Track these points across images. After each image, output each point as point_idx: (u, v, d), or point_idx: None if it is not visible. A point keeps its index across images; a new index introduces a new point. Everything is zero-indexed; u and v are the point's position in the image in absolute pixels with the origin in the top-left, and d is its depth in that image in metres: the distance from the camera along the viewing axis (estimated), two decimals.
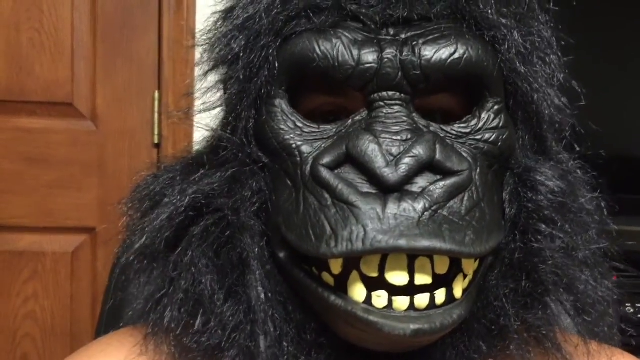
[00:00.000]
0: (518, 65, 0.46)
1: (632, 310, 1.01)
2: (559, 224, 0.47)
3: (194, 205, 0.47)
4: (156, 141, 1.47)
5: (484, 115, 0.46)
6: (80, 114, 1.47)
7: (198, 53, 0.52)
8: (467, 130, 0.46)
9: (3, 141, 1.46)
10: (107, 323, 0.72)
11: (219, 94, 0.51)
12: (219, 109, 0.52)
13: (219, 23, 0.50)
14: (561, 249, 0.47)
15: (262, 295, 0.46)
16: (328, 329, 0.46)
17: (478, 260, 0.46)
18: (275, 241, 0.46)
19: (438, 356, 0.46)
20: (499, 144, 0.46)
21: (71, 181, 1.47)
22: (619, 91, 1.45)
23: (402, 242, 0.40)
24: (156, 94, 1.46)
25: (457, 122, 0.46)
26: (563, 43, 0.51)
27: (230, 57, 0.47)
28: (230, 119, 0.48)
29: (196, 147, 0.55)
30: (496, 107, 0.46)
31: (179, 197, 0.47)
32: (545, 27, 0.49)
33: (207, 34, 0.51)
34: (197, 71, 0.51)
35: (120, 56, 1.46)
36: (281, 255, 0.46)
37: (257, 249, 0.46)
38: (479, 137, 0.46)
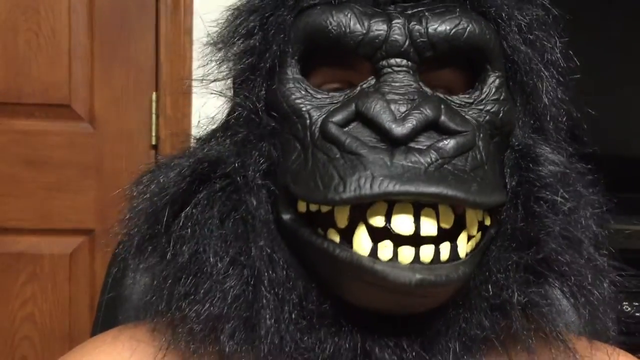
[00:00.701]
0: (518, 44, 0.48)
1: (630, 309, 1.01)
2: (561, 192, 0.48)
3: (199, 170, 0.48)
4: (154, 142, 1.47)
5: (486, 89, 0.48)
6: (77, 116, 1.47)
7: (197, 47, 0.54)
8: (470, 101, 0.47)
9: (0, 144, 1.46)
10: (104, 319, 0.72)
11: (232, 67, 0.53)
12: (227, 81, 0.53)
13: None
14: (563, 213, 0.48)
15: (267, 257, 0.46)
16: (330, 297, 0.46)
17: (480, 232, 0.47)
18: (281, 202, 0.47)
19: (442, 329, 0.47)
20: (500, 114, 0.48)
21: (69, 183, 1.48)
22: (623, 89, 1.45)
23: (411, 187, 0.41)
24: (154, 96, 1.47)
25: (460, 93, 0.48)
26: (561, 26, 0.52)
27: (246, 30, 0.50)
28: (243, 88, 0.50)
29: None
30: (497, 81, 0.48)
31: (186, 162, 0.48)
32: (546, 12, 0.51)
33: (226, 11, 0.52)
34: (198, 53, 0.53)
35: (118, 58, 1.47)
36: (286, 217, 0.47)
37: (262, 211, 0.47)
38: (481, 107, 0.47)
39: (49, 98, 1.46)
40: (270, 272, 0.46)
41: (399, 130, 0.43)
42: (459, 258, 0.45)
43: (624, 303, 1.01)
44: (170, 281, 0.47)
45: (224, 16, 0.52)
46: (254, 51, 0.49)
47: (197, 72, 0.53)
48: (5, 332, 1.49)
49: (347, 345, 0.46)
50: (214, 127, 0.54)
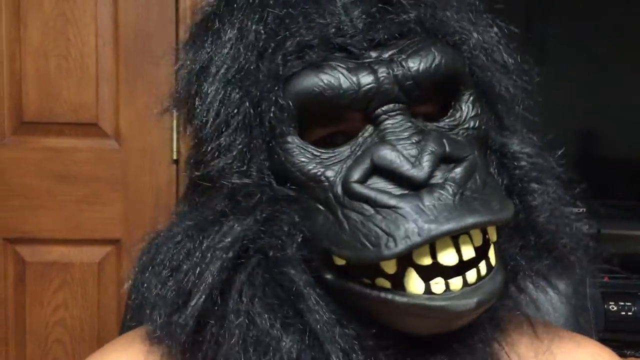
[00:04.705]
0: (481, 58, 0.52)
1: (615, 308, 1.07)
2: (547, 181, 0.53)
3: (236, 254, 0.48)
4: (175, 157, 1.52)
5: (464, 107, 0.51)
6: (104, 134, 1.52)
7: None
8: (456, 123, 0.50)
9: (34, 160, 1.52)
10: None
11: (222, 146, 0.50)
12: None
13: (195, 84, 0.51)
14: (553, 199, 0.53)
15: (325, 317, 0.47)
16: (385, 330, 0.48)
17: (495, 228, 0.50)
18: (321, 265, 0.48)
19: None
20: (483, 127, 0.51)
21: (97, 196, 1.52)
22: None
23: (452, 225, 0.44)
24: (175, 113, 1.51)
25: (446, 117, 0.51)
26: (506, 31, 0.56)
27: (231, 107, 0.48)
28: (241, 165, 0.49)
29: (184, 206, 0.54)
30: (472, 98, 0.51)
31: (219, 251, 0.48)
32: (490, 24, 0.55)
33: (178, 95, 0.52)
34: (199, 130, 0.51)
35: (141, 79, 1.51)
36: (329, 277, 0.48)
37: (304, 277, 0.48)
38: (466, 125, 0.50)
39: (78, 117, 1.51)
40: (330, 326, 0.47)
41: (419, 175, 0.45)
42: (492, 267, 0.48)
43: (610, 303, 1.06)
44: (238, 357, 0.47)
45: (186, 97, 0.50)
46: (244, 125, 0.48)
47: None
48: (39, 335, 1.54)
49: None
50: (209, 204, 0.51)
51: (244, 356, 0.47)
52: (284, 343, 0.47)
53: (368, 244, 0.45)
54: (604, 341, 0.65)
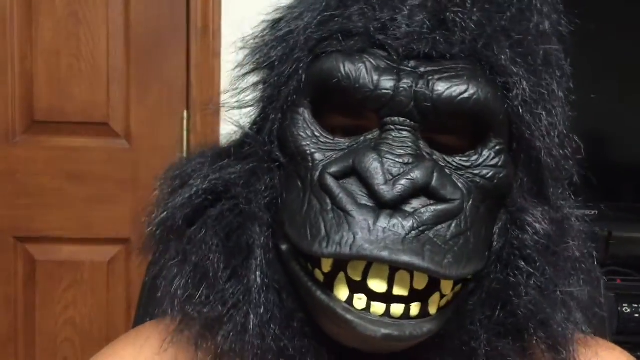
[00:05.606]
0: (523, 113, 0.47)
1: (628, 310, 1.07)
2: (538, 265, 0.49)
3: (213, 190, 0.50)
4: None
5: (485, 153, 0.47)
6: (115, 133, 1.54)
7: (226, 65, 0.58)
8: (467, 164, 0.47)
9: (45, 159, 1.53)
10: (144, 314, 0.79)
11: (252, 95, 0.54)
12: (249, 108, 0.55)
13: (266, 31, 0.53)
14: (537, 288, 0.49)
15: (259, 280, 0.49)
16: (314, 321, 0.48)
17: (460, 284, 0.48)
18: (279, 234, 0.49)
19: None
20: (495, 181, 0.48)
21: (107, 195, 1.53)
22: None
23: (385, 254, 0.43)
24: (185, 114, 1.53)
25: (460, 154, 0.48)
26: (573, 97, 0.52)
27: (267, 63, 0.51)
28: (258, 119, 0.52)
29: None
30: (497, 148, 0.48)
31: (200, 181, 0.51)
32: (558, 82, 0.51)
33: (253, 39, 0.54)
34: (236, 72, 0.55)
35: (152, 79, 1.52)
36: (283, 247, 0.49)
37: (262, 238, 0.49)
38: (476, 171, 0.47)
39: (89, 117, 1.52)
40: (261, 291, 0.48)
41: (387, 194, 0.44)
42: (429, 314, 0.46)
43: (624, 305, 1.06)
44: (177, 282, 0.50)
45: (255, 40, 0.53)
46: (272, 84, 0.50)
47: (225, 89, 0.55)
48: (48, 334, 1.56)
49: None
50: (230, 143, 0.55)
51: (186, 282, 0.50)
52: (227, 287, 0.49)
53: (308, 234, 0.45)
54: (617, 343, 0.65)
